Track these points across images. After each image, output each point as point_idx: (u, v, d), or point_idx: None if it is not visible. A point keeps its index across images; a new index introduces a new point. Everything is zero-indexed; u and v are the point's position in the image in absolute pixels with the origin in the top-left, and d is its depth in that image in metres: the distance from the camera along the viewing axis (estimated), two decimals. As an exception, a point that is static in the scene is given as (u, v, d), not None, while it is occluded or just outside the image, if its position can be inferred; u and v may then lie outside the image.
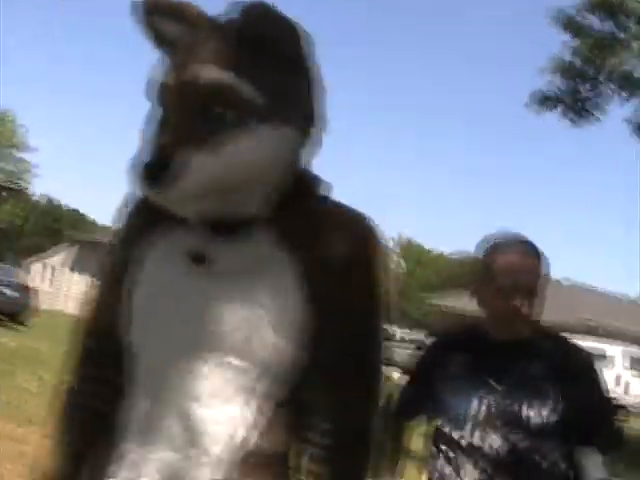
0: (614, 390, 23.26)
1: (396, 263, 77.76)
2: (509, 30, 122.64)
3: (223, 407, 1.60)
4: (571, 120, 11.43)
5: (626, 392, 23.86)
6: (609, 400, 2.64)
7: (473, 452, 2.44)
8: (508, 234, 2.61)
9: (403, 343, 26.92)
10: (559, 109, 11.30)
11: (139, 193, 1.63)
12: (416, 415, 2.79)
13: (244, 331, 1.58)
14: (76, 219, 73.69)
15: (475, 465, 2.43)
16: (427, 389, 2.62)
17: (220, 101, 1.53)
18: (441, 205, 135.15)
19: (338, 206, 1.72)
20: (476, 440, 2.44)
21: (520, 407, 2.44)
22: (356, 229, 1.69)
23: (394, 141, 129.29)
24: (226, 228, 1.62)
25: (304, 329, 1.61)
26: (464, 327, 2.81)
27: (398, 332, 41.78)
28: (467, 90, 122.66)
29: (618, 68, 10.88)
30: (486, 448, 2.43)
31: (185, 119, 1.54)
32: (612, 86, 11.10)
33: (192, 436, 1.59)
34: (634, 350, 26.54)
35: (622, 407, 23.28)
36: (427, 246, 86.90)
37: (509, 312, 2.46)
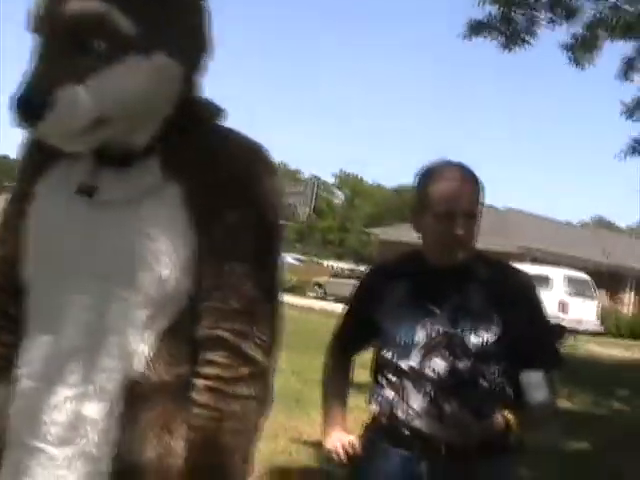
0: (556, 312, 23.90)
1: (335, 196, 77.90)
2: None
3: (114, 339, 1.59)
4: (504, 46, 11.46)
5: (565, 312, 24.45)
6: (548, 321, 2.67)
7: (419, 378, 2.47)
8: (444, 160, 2.60)
9: (350, 279, 27.18)
10: (492, 35, 11.33)
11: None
12: (360, 347, 2.80)
13: (131, 262, 1.58)
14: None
15: (421, 391, 2.47)
16: (368, 320, 2.62)
17: (92, 31, 1.50)
18: (378, 136, 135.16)
19: (228, 134, 1.70)
20: (421, 366, 2.47)
21: (462, 331, 2.48)
22: (244, 157, 1.66)
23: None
24: (114, 160, 1.63)
25: (191, 258, 1.60)
26: (402, 256, 2.80)
27: (345, 267, 42.04)
28: (402, 16, 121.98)
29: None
30: (431, 373, 2.47)
31: (58, 51, 1.51)
32: (544, 12, 11.18)
33: (86, 371, 1.59)
34: (573, 273, 27.16)
35: (563, 328, 23.93)
36: (366, 178, 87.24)
37: (447, 238, 2.47)
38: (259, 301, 1.63)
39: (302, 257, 49.48)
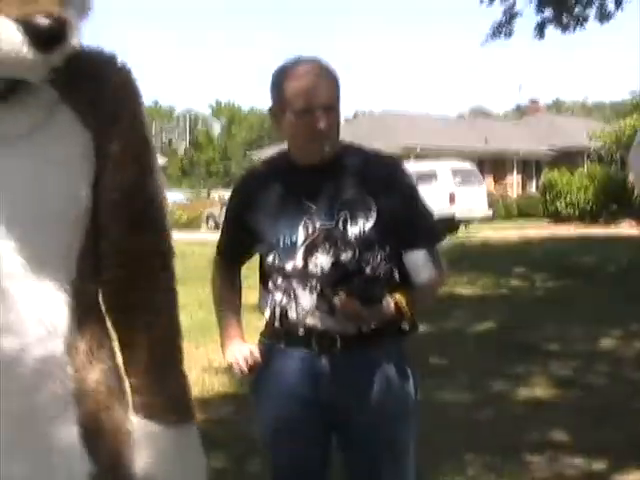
0: (446, 204, 24.38)
1: (212, 127, 77.16)
2: None
3: (35, 283, 1.57)
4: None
5: (455, 203, 24.98)
6: (420, 198, 2.68)
7: (306, 277, 2.50)
8: (297, 57, 2.57)
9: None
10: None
11: None
12: (244, 256, 2.81)
13: (34, 193, 1.55)
14: None
15: (310, 289, 2.50)
16: (246, 226, 2.63)
17: None
18: (246, 64, 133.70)
19: (92, 51, 1.67)
20: (305, 264, 2.50)
21: (340, 223, 2.51)
22: (117, 76, 1.66)
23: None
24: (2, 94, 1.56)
25: (89, 182, 1.61)
26: (270, 159, 2.80)
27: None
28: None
29: None
30: (316, 270, 2.50)
31: None
32: None
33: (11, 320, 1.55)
34: (458, 164, 27.66)
35: (454, 218, 24.53)
36: (243, 106, 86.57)
37: (310, 133, 2.47)
38: (155, 219, 1.73)
39: (189, 192, 48.94)
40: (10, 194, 1.54)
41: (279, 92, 2.51)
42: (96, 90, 1.62)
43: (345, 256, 2.49)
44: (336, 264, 2.49)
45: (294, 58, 2.56)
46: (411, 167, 27.30)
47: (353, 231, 2.50)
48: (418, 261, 2.54)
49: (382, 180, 2.57)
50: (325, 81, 2.51)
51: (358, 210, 2.51)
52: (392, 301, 2.50)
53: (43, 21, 1.39)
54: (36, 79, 1.52)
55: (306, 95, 2.46)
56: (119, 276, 1.68)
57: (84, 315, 1.64)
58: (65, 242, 1.61)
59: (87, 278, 1.65)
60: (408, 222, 2.57)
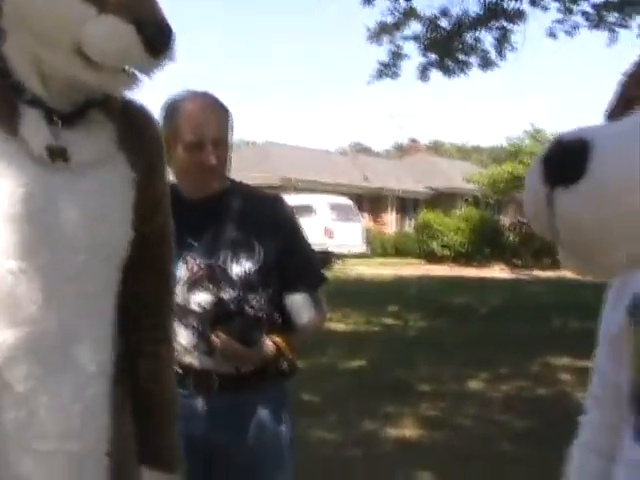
0: (322, 238, 24.55)
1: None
2: None
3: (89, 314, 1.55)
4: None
5: (331, 237, 25.17)
6: (306, 240, 2.70)
7: (185, 315, 2.45)
8: (187, 90, 2.55)
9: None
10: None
11: None
12: None
13: (95, 226, 1.53)
14: None
15: (188, 326, 2.45)
16: None
17: None
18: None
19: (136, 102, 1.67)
20: (185, 302, 2.45)
21: (223, 262, 2.48)
22: (157, 129, 1.72)
23: None
24: (66, 116, 1.50)
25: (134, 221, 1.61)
26: None
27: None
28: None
29: None
30: (196, 307, 2.46)
31: None
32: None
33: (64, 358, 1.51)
34: (336, 199, 27.93)
35: (330, 253, 24.73)
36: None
37: (199, 167, 2.45)
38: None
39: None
40: (72, 223, 1.50)
41: (169, 125, 2.46)
42: (141, 140, 1.63)
43: (227, 295, 2.46)
44: (217, 303, 2.45)
45: (184, 91, 2.53)
46: (289, 200, 27.53)
47: (236, 271, 2.47)
48: (299, 304, 2.54)
49: (267, 221, 2.55)
50: (216, 115, 2.49)
51: (243, 250, 2.49)
52: (272, 343, 2.48)
53: (155, 26, 1.39)
54: (121, 91, 1.52)
55: (196, 129, 2.43)
56: (140, 324, 1.70)
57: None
58: (113, 280, 1.60)
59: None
60: (291, 265, 2.56)
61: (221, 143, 2.47)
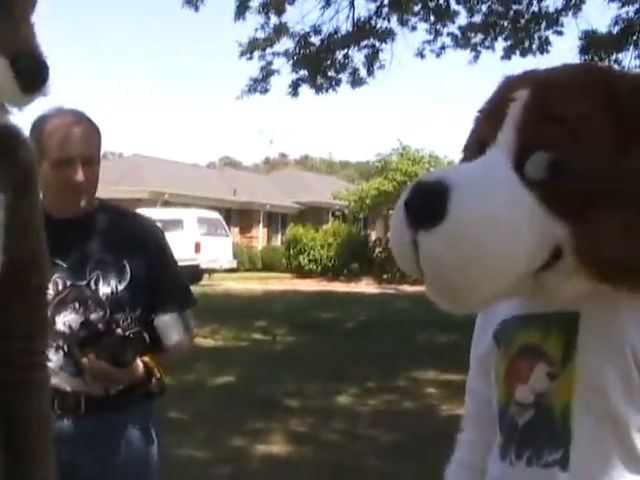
0: (191, 253, 24.40)
1: None
2: None
3: None
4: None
5: (200, 252, 25.03)
6: (175, 262, 2.70)
7: (53, 336, 2.36)
8: (56, 107, 2.48)
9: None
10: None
11: None
12: None
13: None
14: None
15: (56, 348, 2.38)
16: None
17: None
18: None
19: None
20: (54, 323, 2.38)
21: (91, 282, 2.43)
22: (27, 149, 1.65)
23: None
24: None
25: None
26: None
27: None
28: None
29: None
30: (63, 328, 2.40)
31: None
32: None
33: None
34: (205, 213, 27.81)
35: (197, 267, 24.61)
36: None
37: (66, 185, 2.39)
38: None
39: None
40: None
41: (37, 141, 2.36)
42: (9, 160, 1.57)
43: (95, 316, 2.42)
44: (85, 324, 2.41)
45: (55, 107, 2.46)
46: (158, 214, 27.39)
47: (104, 291, 2.44)
48: (168, 325, 2.54)
49: (135, 241, 2.52)
50: (84, 132, 2.43)
51: (110, 270, 2.46)
52: (141, 363, 2.44)
53: (31, 60, 1.35)
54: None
55: (63, 145, 2.37)
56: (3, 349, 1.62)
57: None
58: None
59: None
60: (159, 285, 2.54)
61: (90, 162, 2.42)
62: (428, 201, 1.11)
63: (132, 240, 2.51)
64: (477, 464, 1.52)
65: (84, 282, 2.42)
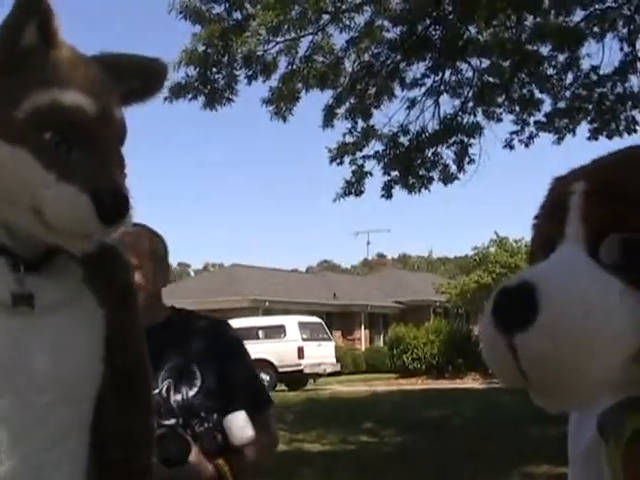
0: (295, 358, 24.49)
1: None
2: (140, 27, 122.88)
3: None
4: (207, 105, 11.73)
5: (303, 357, 25.06)
6: (249, 361, 2.75)
7: None
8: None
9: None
10: (194, 96, 11.61)
11: None
12: None
13: (63, 367, 1.54)
14: None
15: None
16: None
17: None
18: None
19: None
20: None
21: (164, 390, 2.49)
22: (126, 262, 1.76)
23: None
24: (31, 262, 1.54)
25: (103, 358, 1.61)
26: None
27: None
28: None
29: (243, 50, 11.36)
30: None
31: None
32: (240, 69, 11.62)
33: None
34: (306, 318, 27.91)
35: (300, 372, 24.65)
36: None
37: None
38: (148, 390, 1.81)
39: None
40: (39, 365, 1.51)
41: None
42: (108, 279, 1.66)
43: (166, 422, 2.46)
44: (161, 432, 2.40)
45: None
46: (259, 321, 27.66)
47: (176, 398, 2.50)
48: (236, 422, 2.52)
49: (207, 346, 2.58)
50: (136, 238, 2.48)
51: (182, 377, 2.51)
52: (212, 465, 2.46)
53: (111, 195, 1.43)
54: (80, 252, 1.53)
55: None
56: (114, 459, 1.66)
57: None
58: (83, 418, 1.59)
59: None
60: (231, 387, 2.57)
61: (138, 267, 2.44)
62: (519, 301, 1.11)
63: (204, 344, 2.57)
64: None
65: (156, 391, 2.45)
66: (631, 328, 1.14)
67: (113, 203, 1.42)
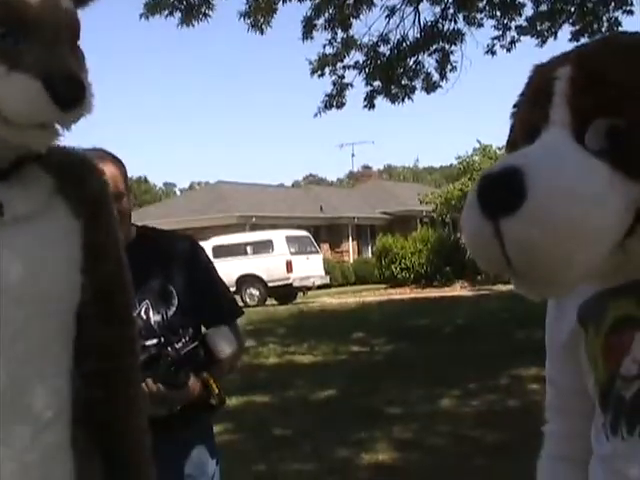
0: (284, 272, 24.64)
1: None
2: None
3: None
4: (183, 22, 11.56)
5: (292, 271, 25.21)
6: (217, 274, 2.82)
7: None
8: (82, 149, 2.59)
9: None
10: (170, 12, 11.43)
11: None
12: None
13: (38, 277, 1.53)
14: None
15: None
16: None
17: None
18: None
19: (78, 152, 1.72)
20: None
21: (143, 312, 2.58)
22: (100, 173, 1.73)
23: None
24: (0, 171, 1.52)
25: (81, 271, 1.61)
26: None
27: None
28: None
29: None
30: None
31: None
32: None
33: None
34: (293, 232, 27.97)
35: (290, 285, 24.83)
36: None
37: None
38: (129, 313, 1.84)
39: None
40: (13, 277, 1.49)
41: None
42: (82, 189, 1.65)
43: (150, 343, 2.55)
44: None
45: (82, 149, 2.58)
46: (247, 237, 27.71)
47: (155, 319, 2.58)
48: (220, 338, 2.64)
49: (179, 263, 2.67)
50: (111, 171, 2.50)
51: (159, 298, 2.60)
52: (199, 380, 2.58)
53: (64, 78, 1.41)
54: (44, 146, 1.52)
55: None
56: (97, 369, 1.67)
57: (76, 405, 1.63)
58: (64, 329, 1.60)
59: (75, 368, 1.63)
60: (207, 301, 2.69)
61: (117, 197, 2.47)
62: (504, 187, 1.09)
63: (175, 261, 2.66)
64: (574, 455, 1.49)
65: (135, 313, 2.49)
66: (619, 213, 1.13)
67: (67, 86, 1.41)
